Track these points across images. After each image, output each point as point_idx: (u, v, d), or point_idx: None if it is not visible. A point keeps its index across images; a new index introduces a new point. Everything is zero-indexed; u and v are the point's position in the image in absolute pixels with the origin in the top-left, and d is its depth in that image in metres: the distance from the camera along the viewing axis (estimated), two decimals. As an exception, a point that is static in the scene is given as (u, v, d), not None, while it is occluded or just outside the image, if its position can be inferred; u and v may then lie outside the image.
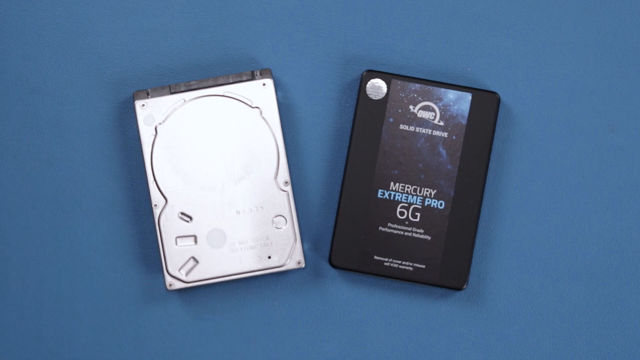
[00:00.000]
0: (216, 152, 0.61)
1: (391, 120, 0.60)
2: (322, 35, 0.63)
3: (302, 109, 0.63)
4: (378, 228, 0.60)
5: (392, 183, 0.60)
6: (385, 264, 0.60)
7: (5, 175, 0.63)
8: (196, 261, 0.61)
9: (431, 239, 0.60)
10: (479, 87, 0.61)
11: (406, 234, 0.60)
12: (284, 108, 0.63)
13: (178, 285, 0.61)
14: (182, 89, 0.62)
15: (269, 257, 0.61)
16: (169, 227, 0.61)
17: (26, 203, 0.63)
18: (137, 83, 0.63)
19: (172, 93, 0.62)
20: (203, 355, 0.63)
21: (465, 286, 0.60)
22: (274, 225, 0.61)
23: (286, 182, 0.61)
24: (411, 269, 0.60)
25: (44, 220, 0.63)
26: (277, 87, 0.63)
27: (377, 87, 0.60)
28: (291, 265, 0.61)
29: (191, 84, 0.62)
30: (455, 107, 0.60)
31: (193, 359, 0.63)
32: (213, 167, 0.61)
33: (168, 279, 0.61)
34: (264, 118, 0.62)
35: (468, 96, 0.60)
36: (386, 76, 0.60)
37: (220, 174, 0.61)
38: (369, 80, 0.60)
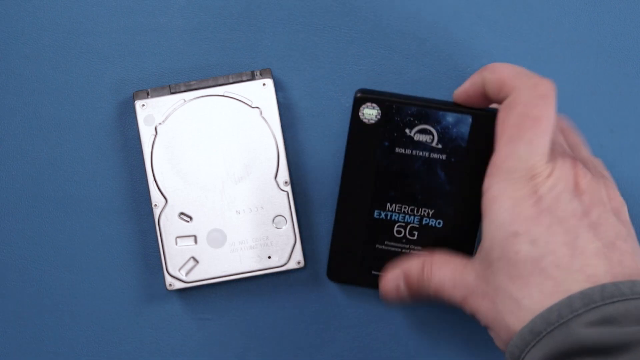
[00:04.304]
0: (216, 152, 0.61)
1: (386, 144, 0.58)
2: (322, 35, 0.63)
3: (302, 109, 0.63)
4: (375, 245, 0.59)
5: (388, 204, 0.59)
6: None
7: (5, 174, 0.63)
8: (196, 261, 0.61)
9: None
10: (479, 109, 0.58)
11: (404, 251, 0.59)
12: (284, 108, 0.63)
13: (178, 285, 0.61)
14: (182, 89, 0.62)
15: (269, 257, 0.61)
16: (169, 227, 0.61)
17: (26, 203, 0.63)
18: (137, 83, 0.63)
19: (172, 93, 0.62)
20: (203, 355, 0.63)
21: None
22: (274, 225, 0.61)
23: (286, 182, 0.61)
24: None
25: (44, 220, 0.63)
26: (277, 87, 0.63)
27: (370, 112, 0.57)
28: (291, 265, 0.61)
29: (191, 84, 0.62)
30: (455, 130, 0.57)
31: (193, 359, 0.63)
32: (213, 167, 0.61)
33: (168, 279, 0.61)
34: (264, 118, 0.62)
35: (468, 119, 0.57)
36: (380, 99, 0.57)
37: (220, 174, 0.61)
38: (362, 104, 0.57)
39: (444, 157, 0.57)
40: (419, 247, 0.59)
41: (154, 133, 0.61)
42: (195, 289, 0.63)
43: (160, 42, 0.63)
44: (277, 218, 0.61)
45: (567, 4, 0.64)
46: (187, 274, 0.61)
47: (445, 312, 0.63)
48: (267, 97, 0.62)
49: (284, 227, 0.61)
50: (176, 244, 0.61)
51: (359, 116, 0.58)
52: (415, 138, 0.57)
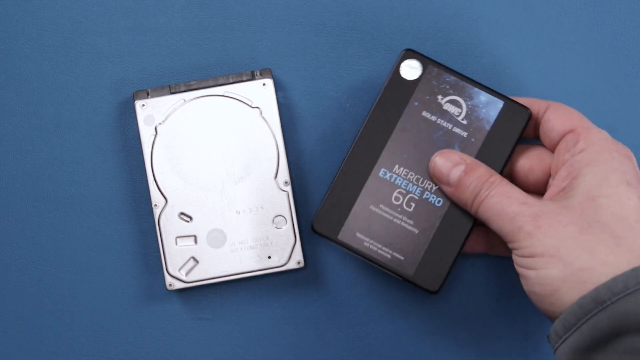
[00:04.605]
0: (216, 152, 0.61)
1: (416, 104, 0.58)
2: (322, 35, 0.63)
3: (302, 109, 0.63)
4: (369, 206, 0.59)
5: (397, 166, 0.58)
6: (365, 243, 0.59)
7: (5, 174, 0.63)
8: (196, 261, 0.61)
9: (418, 233, 0.58)
10: (513, 98, 0.59)
11: (395, 220, 0.58)
12: (284, 108, 0.63)
13: (178, 285, 0.61)
14: (182, 89, 0.62)
15: (269, 257, 0.61)
16: (169, 227, 0.61)
17: (26, 203, 0.63)
18: (137, 83, 0.63)
19: (172, 93, 0.62)
20: (203, 355, 0.63)
21: (438, 290, 0.58)
22: (274, 225, 0.61)
23: (286, 182, 0.61)
24: (389, 256, 0.58)
25: (44, 220, 0.63)
26: (277, 87, 0.63)
27: (413, 67, 0.58)
28: (291, 265, 0.61)
29: (191, 84, 0.62)
30: (484, 111, 0.58)
31: (193, 359, 0.63)
32: (213, 167, 0.61)
33: (168, 279, 0.61)
34: (264, 118, 0.62)
35: (499, 103, 0.58)
36: (424, 59, 0.58)
37: (220, 174, 0.61)
38: (406, 59, 0.58)
39: (465, 134, 0.58)
40: (412, 222, 0.58)
41: (154, 133, 0.61)
42: (195, 289, 0.63)
43: (160, 42, 0.63)
44: (277, 218, 0.61)
45: (567, 4, 0.64)
46: (187, 274, 0.61)
47: (446, 312, 0.63)
48: (267, 97, 0.62)
49: (284, 227, 0.61)
50: (176, 244, 0.61)
51: (400, 69, 0.58)
52: (444, 107, 0.58)
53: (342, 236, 0.59)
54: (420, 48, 0.63)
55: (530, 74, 0.63)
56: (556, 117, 0.56)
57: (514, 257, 0.53)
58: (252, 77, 0.62)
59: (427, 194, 0.58)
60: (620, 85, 0.63)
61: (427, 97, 0.58)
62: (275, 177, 0.61)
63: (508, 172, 0.59)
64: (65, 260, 0.63)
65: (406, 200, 0.58)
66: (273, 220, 0.61)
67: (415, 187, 0.58)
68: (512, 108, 0.58)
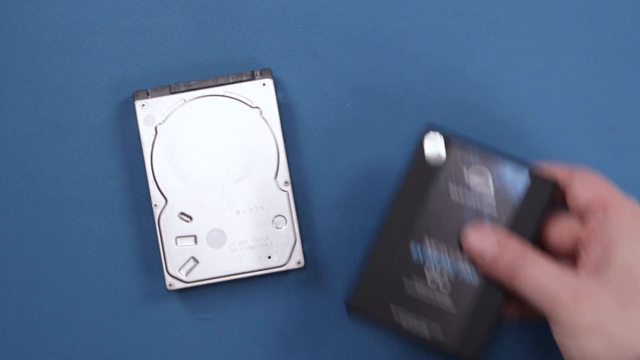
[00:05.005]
0: (216, 152, 0.61)
1: (442, 184, 0.57)
2: (322, 35, 0.63)
3: (302, 109, 0.63)
4: (403, 281, 0.57)
5: (428, 241, 0.57)
6: (402, 320, 0.57)
7: (5, 174, 0.63)
8: (196, 261, 0.61)
9: (453, 306, 0.57)
10: (538, 169, 0.58)
11: (429, 295, 0.57)
12: (284, 108, 0.63)
13: (178, 285, 0.61)
14: (182, 89, 0.62)
15: (269, 257, 0.61)
16: (169, 227, 0.61)
17: (26, 203, 0.63)
18: (137, 83, 0.63)
19: (172, 93, 0.62)
20: (203, 355, 0.63)
21: (480, 356, 0.57)
22: (274, 225, 0.61)
23: (286, 182, 0.61)
24: (427, 331, 0.57)
25: (44, 220, 0.63)
26: (277, 87, 0.63)
27: (437, 154, 0.57)
28: (291, 265, 0.61)
29: (191, 84, 0.62)
30: (511, 186, 0.57)
31: (193, 359, 0.63)
32: (213, 167, 0.61)
33: (168, 279, 0.61)
34: (264, 118, 0.62)
35: (526, 178, 0.57)
36: (447, 137, 0.57)
37: (220, 174, 0.61)
38: (429, 138, 0.57)
39: (493, 211, 0.57)
40: (446, 296, 0.57)
41: (154, 133, 0.61)
42: (195, 289, 0.63)
43: (160, 42, 0.63)
44: (277, 218, 0.61)
45: (567, 4, 0.64)
46: (187, 274, 0.61)
47: (445, 312, 0.63)
48: (267, 97, 0.62)
49: (284, 227, 0.61)
50: (176, 244, 0.61)
51: (424, 149, 0.57)
52: (471, 186, 0.57)
53: (379, 312, 0.57)
54: (420, 48, 0.63)
55: (531, 74, 0.63)
56: (583, 187, 0.55)
57: (554, 333, 0.53)
58: (252, 77, 0.62)
59: (460, 268, 0.57)
60: (620, 85, 0.63)
61: (454, 176, 0.57)
62: (275, 177, 0.61)
63: (538, 243, 0.58)
64: (65, 260, 0.63)
65: (439, 275, 0.58)
66: (273, 220, 0.61)
67: (448, 261, 0.57)
68: (538, 182, 0.57)
